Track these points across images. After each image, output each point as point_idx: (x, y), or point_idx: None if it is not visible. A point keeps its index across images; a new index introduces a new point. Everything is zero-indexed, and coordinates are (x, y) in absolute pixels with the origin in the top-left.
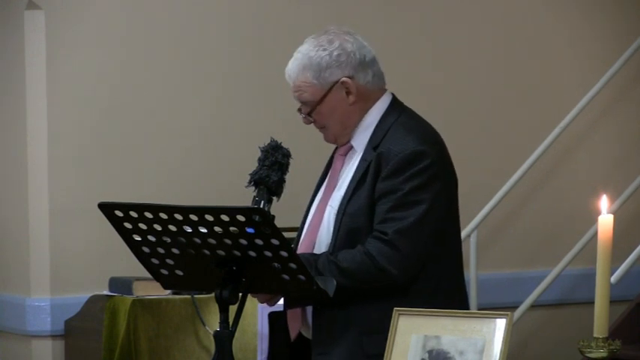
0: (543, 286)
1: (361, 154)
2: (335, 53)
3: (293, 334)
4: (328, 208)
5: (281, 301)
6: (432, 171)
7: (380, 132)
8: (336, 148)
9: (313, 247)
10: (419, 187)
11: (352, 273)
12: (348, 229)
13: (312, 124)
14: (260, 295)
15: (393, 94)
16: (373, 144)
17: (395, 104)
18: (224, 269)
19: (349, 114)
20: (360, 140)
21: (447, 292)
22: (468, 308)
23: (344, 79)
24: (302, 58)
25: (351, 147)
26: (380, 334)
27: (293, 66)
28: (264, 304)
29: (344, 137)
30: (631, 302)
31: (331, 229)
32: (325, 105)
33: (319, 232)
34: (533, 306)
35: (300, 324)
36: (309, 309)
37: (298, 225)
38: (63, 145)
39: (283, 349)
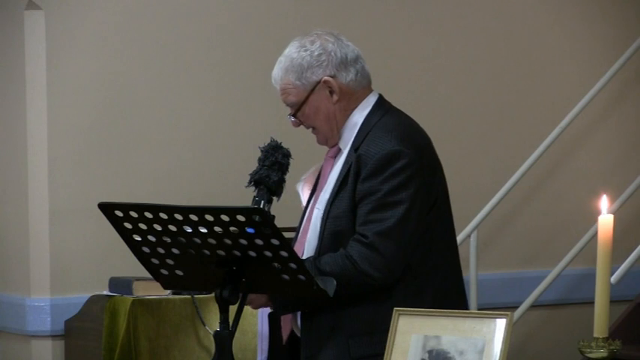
0: (543, 286)
1: (345, 155)
2: (316, 53)
3: (285, 335)
4: (315, 211)
5: None
6: (410, 170)
7: (362, 133)
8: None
9: (304, 250)
10: (397, 188)
11: (334, 277)
12: (331, 232)
13: (303, 128)
14: (254, 301)
15: (379, 94)
16: (355, 145)
17: (380, 104)
18: (224, 269)
19: (334, 113)
20: (346, 140)
21: (436, 292)
22: (465, 306)
23: (325, 78)
24: (285, 61)
25: (339, 149)
26: (366, 335)
27: (277, 70)
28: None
29: (334, 138)
30: (631, 302)
31: (318, 231)
32: (309, 105)
33: (308, 235)
34: (533, 306)
35: (291, 325)
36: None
37: (298, 225)
38: (63, 145)
39: (281, 349)
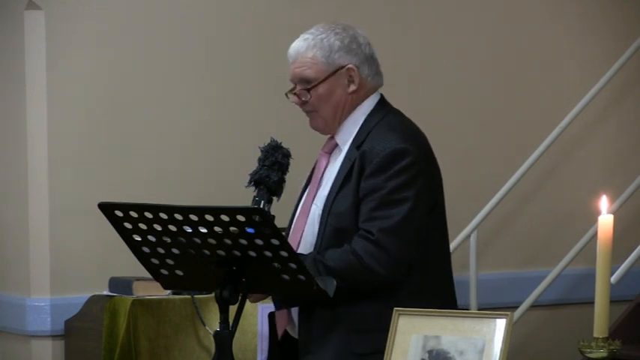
0: (543, 286)
1: (345, 152)
2: (347, 40)
3: (280, 332)
4: (313, 207)
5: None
6: (415, 169)
7: (364, 131)
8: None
9: (298, 246)
10: (402, 185)
11: (339, 272)
12: (333, 229)
13: (299, 109)
14: (253, 295)
15: (381, 95)
16: (357, 143)
17: (382, 104)
18: (224, 269)
19: (344, 102)
20: (345, 137)
21: (434, 290)
22: (456, 305)
23: (351, 65)
24: (312, 39)
25: (336, 144)
26: (368, 332)
27: (301, 43)
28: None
29: (332, 127)
30: (631, 302)
31: (316, 228)
32: (325, 86)
33: (305, 231)
34: (533, 306)
35: (286, 322)
36: (295, 307)
37: (289, 221)
38: (63, 145)
39: (276, 348)
